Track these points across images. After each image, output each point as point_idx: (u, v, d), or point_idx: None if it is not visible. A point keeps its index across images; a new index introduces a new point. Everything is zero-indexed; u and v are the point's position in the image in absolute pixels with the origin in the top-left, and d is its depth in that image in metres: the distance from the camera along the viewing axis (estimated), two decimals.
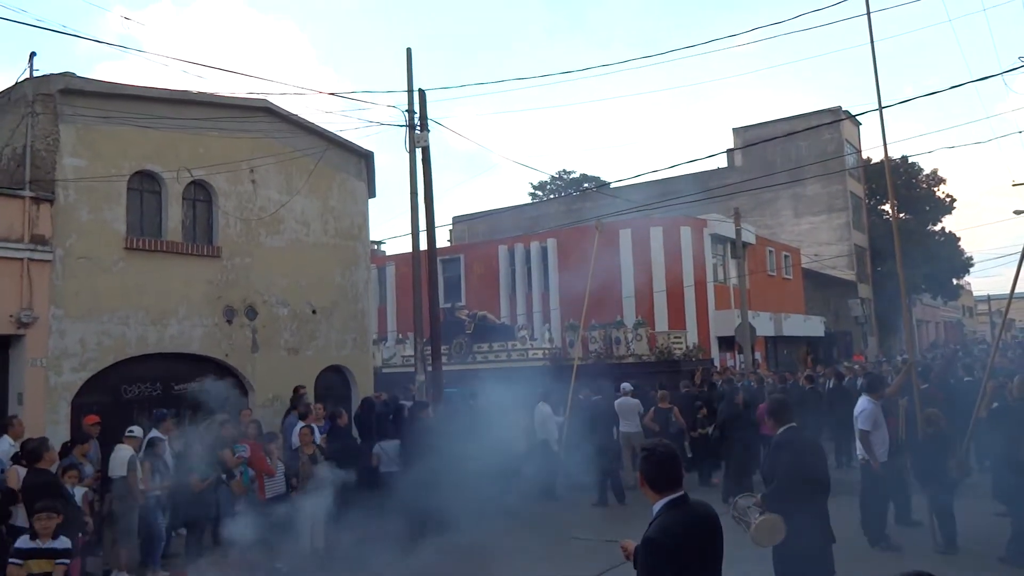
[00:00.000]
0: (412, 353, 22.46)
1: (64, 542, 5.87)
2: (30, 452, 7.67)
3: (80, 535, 7.68)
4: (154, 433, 9.60)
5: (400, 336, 25.42)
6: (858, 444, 8.93)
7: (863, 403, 8.91)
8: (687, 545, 3.30)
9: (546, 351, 20.68)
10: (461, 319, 21.91)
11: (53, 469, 7.91)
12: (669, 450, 3.51)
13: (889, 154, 10.08)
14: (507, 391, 13.86)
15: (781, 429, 5.89)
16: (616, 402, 13.12)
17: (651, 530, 3.36)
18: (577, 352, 20.38)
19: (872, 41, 9.37)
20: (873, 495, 8.73)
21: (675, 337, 22.85)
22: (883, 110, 9.58)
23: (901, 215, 45.32)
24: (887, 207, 47.21)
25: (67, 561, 5.78)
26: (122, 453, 8.95)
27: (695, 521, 3.42)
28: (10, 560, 5.60)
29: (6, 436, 8.95)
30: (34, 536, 5.76)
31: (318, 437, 10.52)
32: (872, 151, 49.80)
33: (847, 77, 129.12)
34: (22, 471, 7.89)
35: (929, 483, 8.60)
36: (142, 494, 8.72)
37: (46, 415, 10.70)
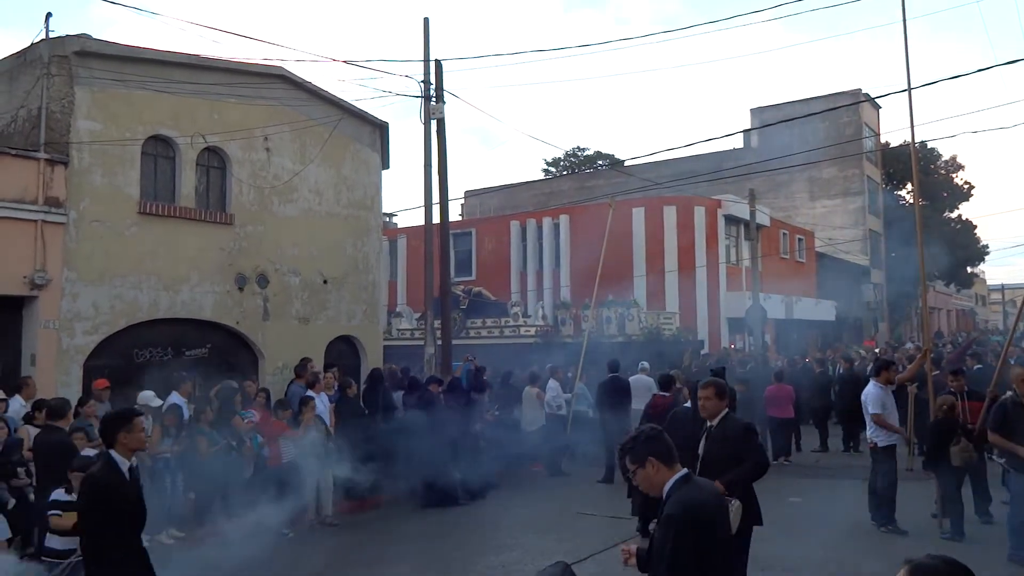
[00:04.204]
0: (407, 327, 22.59)
1: None
2: (54, 409, 7.72)
3: None
4: (174, 397, 9.67)
5: (399, 310, 25.39)
6: (869, 428, 8.89)
7: (869, 388, 8.91)
8: (709, 519, 3.25)
9: (538, 328, 20.69)
10: (456, 294, 21.89)
11: (67, 429, 7.99)
12: (656, 427, 3.60)
13: (907, 139, 9.95)
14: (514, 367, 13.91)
15: (724, 411, 5.48)
16: (631, 379, 13.12)
17: (670, 507, 3.28)
18: (568, 330, 20.44)
19: (904, 19, 9.19)
20: (882, 480, 8.70)
21: (665, 318, 22.84)
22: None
23: (915, 202, 44.86)
24: (903, 192, 46.82)
25: None
26: None
27: (709, 497, 3.38)
28: (50, 512, 5.74)
29: (18, 396, 9.05)
30: (69, 490, 5.91)
31: (323, 407, 10.56)
32: (890, 135, 49.31)
33: (868, 59, 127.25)
34: (33, 431, 7.97)
35: (937, 470, 8.56)
36: (148, 456, 8.81)
37: (58, 377, 10.78)
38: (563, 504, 10.45)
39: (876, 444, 8.75)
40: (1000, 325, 58.92)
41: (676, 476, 3.37)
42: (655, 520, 3.43)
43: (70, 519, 5.77)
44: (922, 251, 9.84)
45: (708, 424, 5.52)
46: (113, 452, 4.40)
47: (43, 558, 5.89)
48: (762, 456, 5.53)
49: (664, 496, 3.36)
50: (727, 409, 5.54)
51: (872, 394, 8.81)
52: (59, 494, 5.88)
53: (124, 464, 4.40)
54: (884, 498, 8.66)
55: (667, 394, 9.10)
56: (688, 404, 7.22)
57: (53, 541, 5.80)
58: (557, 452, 12.85)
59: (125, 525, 4.32)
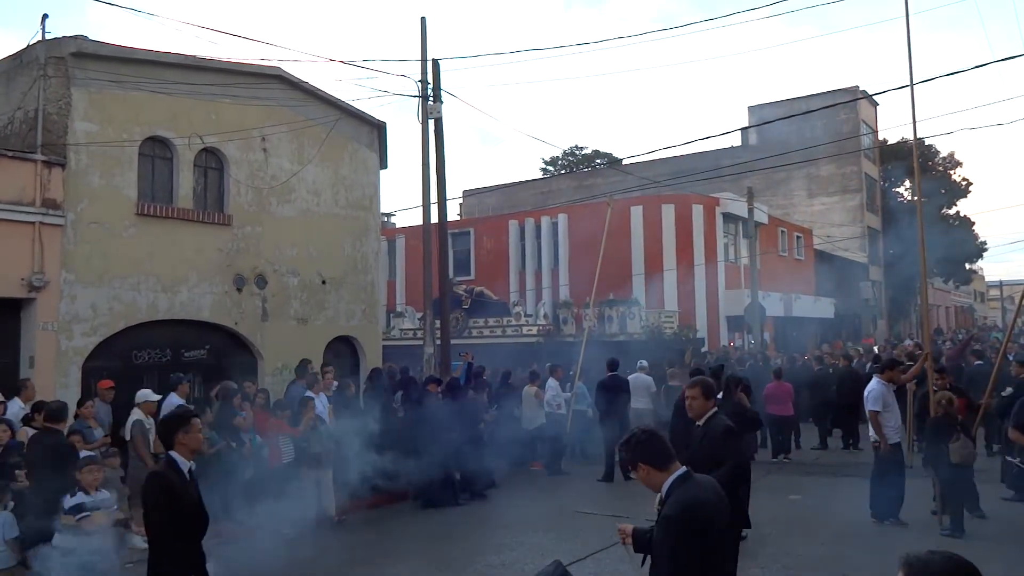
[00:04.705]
0: (410, 327, 22.58)
1: (106, 493, 6.02)
2: (53, 412, 7.68)
3: None
4: (172, 398, 9.65)
5: (401, 309, 25.41)
6: (870, 425, 8.89)
7: (872, 384, 8.91)
8: (708, 518, 3.24)
9: (540, 327, 20.69)
10: (458, 294, 21.88)
11: (65, 432, 7.97)
12: (648, 429, 3.58)
13: (905, 136, 9.97)
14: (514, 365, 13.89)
15: (712, 411, 5.47)
16: (630, 378, 13.14)
17: (668, 508, 3.27)
18: (570, 329, 20.42)
19: (907, 14, 9.17)
20: (883, 475, 8.68)
21: (666, 316, 22.83)
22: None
23: (916, 198, 44.88)
24: (901, 189, 46.83)
25: (116, 507, 5.92)
26: (131, 417, 9.03)
27: (708, 495, 3.36)
28: (79, 517, 5.71)
29: (17, 399, 9.03)
30: (86, 491, 5.90)
31: (323, 408, 10.55)
32: (888, 132, 49.33)
33: (865, 56, 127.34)
34: (32, 433, 7.95)
35: (936, 466, 8.57)
36: (150, 456, 8.81)
37: (56, 379, 10.76)
38: (563, 503, 10.44)
39: (879, 441, 8.74)
40: (999, 321, 59.00)
41: (674, 475, 3.36)
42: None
43: (103, 516, 5.76)
44: (924, 248, 9.80)
45: (696, 424, 5.52)
46: (173, 453, 4.36)
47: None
48: (741, 458, 5.46)
49: (663, 495, 3.35)
50: (715, 409, 5.55)
51: (874, 391, 8.81)
52: (80, 497, 5.84)
53: (185, 465, 4.37)
54: (885, 493, 8.66)
55: None
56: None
57: (65, 541, 5.77)
58: (557, 451, 12.85)
59: (187, 526, 4.28)
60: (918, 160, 10.09)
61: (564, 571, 3.51)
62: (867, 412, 8.81)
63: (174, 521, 4.20)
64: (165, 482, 4.23)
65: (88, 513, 5.76)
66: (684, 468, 3.41)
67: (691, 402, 5.47)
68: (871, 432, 8.91)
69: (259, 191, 13.76)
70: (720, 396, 8.23)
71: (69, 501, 5.87)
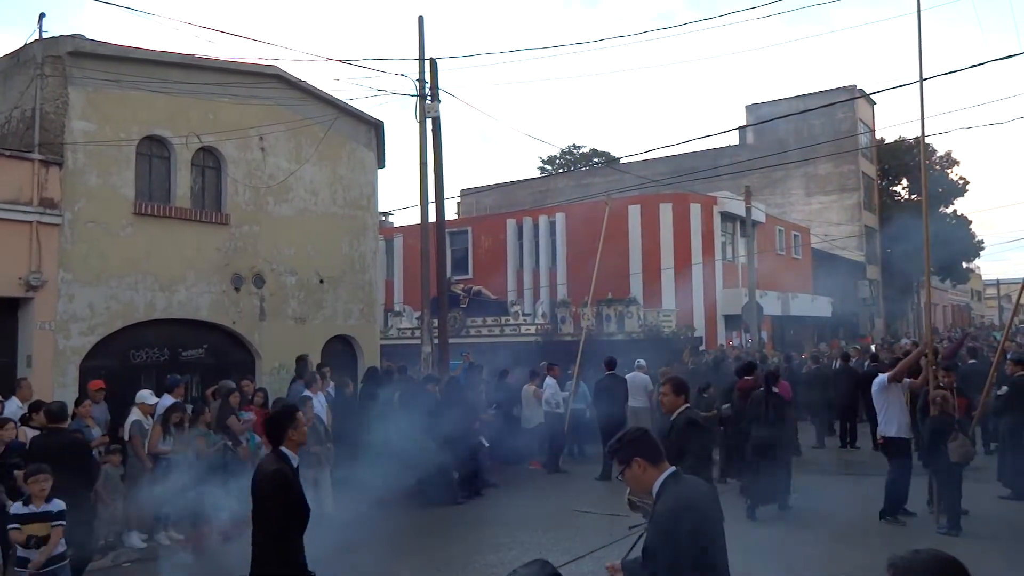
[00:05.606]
0: (408, 326, 22.57)
1: (58, 504, 5.76)
2: (55, 412, 7.64)
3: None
4: (166, 399, 9.64)
5: (399, 309, 25.39)
6: (881, 422, 8.88)
7: (880, 379, 8.95)
8: (703, 514, 3.25)
9: (538, 327, 20.68)
10: (456, 293, 21.85)
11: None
12: (640, 428, 3.66)
13: (902, 135, 9.98)
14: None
15: (682, 407, 5.64)
16: (627, 377, 13.14)
17: (661, 505, 3.28)
18: (569, 328, 20.44)
19: (919, 8, 9.17)
20: (902, 474, 8.68)
21: (664, 315, 22.85)
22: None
23: (913, 196, 44.95)
24: (899, 188, 46.87)
25: (63, 523, 5.73)
26: (130, 417, 9.02)
27: (701, 491, 3.39)
28: (9, 526, 5.56)
29: (14, 398, 9.01)
30: (28, 500, 5.71)
31: (321, 407, 10.54)
32: (885, 131, 49.33)
33: (862, 55, 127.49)
34: (30, 432, 7.92)
35: (934, 465, 8.58)
36: (149, 458, 8.80)
37: (54, 378, 10.75)
38: (561, 502, 10.46)
39: (884, 437, 8.75)
40: (996, 320, 59.12)
41: (665, 474, 3.39)
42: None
43: (33, 531, 5.56)
44: (928, 246, 9.78)
45: (670, 418, 5.65)
46: (284, 448, 4.41)
47: (16, 568, 5.73)
48: (702, 451, 5.58)
49: (654, 494, 3.37)
50: (686, 405, 5.69)
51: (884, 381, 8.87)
52: (18, 507, 5.64)
53: (294, 460, 4.43)
54: (891, 491, 8.67)
55: (751, 377, 10.41)
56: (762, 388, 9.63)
57: (29, 552, 5.59)
58: (555, 450, 12.86)
59: (297, 518, 4.36)
60: (924, 158, 10.07)
61: (552, 570, 3.51)
62: (887, 384, 8.78)
63: (288, 514, 4.29)
64: (285, 479, 4.30)
65: (17, 526, 5.54)
66: (673, 467, 3.45)
67: (663, 398, 5.76)
68: (880, 429, 8.92)
69: (257, 190, 13.75)
70: (763, 389, 9.64)
71: (12, 507, 5.67)
